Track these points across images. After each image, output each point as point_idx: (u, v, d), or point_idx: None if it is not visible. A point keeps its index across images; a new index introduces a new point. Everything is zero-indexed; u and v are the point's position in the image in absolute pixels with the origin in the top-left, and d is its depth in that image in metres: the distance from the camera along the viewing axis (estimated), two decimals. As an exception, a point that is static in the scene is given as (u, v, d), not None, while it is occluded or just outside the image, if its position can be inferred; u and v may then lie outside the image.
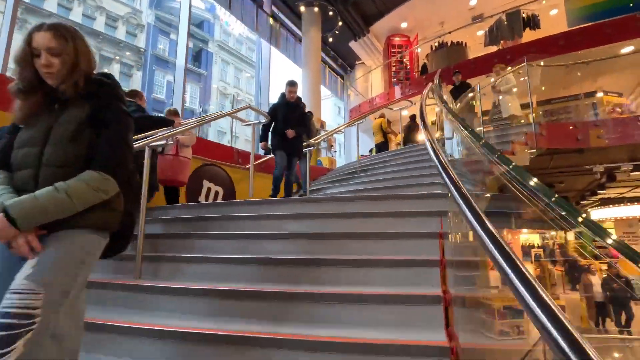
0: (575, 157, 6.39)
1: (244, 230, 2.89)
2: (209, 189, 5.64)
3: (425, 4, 12.17)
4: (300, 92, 5.09)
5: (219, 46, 25.87)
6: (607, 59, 8.20)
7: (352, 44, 13.82)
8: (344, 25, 12.60)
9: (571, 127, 6.37)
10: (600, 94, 8.17)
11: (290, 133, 4.52)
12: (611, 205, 11.08)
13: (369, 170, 6.28)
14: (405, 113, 9.90)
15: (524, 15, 10.18)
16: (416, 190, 3.88)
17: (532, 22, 10.00)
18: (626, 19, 8.02)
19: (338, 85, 15.78)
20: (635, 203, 10.68)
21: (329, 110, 18.91)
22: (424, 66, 12.03)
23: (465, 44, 11.06)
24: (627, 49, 8.23)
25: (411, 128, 8.04)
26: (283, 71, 13.51)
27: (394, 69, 13.13)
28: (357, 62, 15.38)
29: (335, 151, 10.58)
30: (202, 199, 5.41)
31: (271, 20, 11.80)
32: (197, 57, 24.95)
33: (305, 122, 5.28)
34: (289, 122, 4.58)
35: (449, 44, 11.21)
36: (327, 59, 14.54)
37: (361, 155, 12.24)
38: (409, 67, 13.13)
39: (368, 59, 14.67)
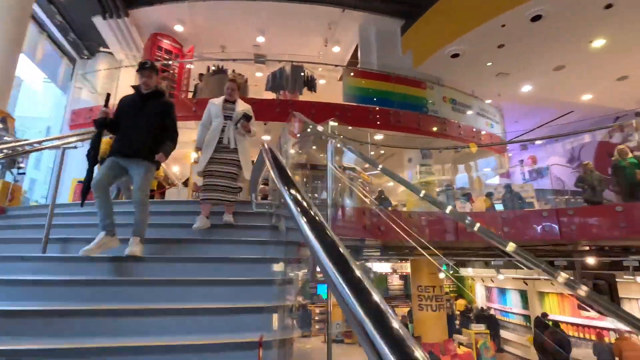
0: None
1: None
2: None
3: (209, 16, 10.15)
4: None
5: None
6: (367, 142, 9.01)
7: (98, 21, 9.62)
8: (88, -13, 8.47)
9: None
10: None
11: None
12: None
13: (70, 242, 3.10)
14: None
15: (303, 74, 10.05)
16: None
17: (310, 84, 9.96)
18: (383, 110, 9.04)
19: (62, 69, 10.62)
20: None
21: (39, 100, 12.51)
22: (196, 88, 9.69)
23: (247, 80, 9.73)
24: (379, 136, 9.35)
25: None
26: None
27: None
28: (101, 49, 10.94)
29: (24, 172, 6.06)
30: None
31: None
32: None
33: None
34: None
35: (231, 72, 9.49)
36: (49, 23, 9.43)
37: (79, 183, 8.12)
38: (175, 82, 10.37)
39: (119, 50, 10.68)
